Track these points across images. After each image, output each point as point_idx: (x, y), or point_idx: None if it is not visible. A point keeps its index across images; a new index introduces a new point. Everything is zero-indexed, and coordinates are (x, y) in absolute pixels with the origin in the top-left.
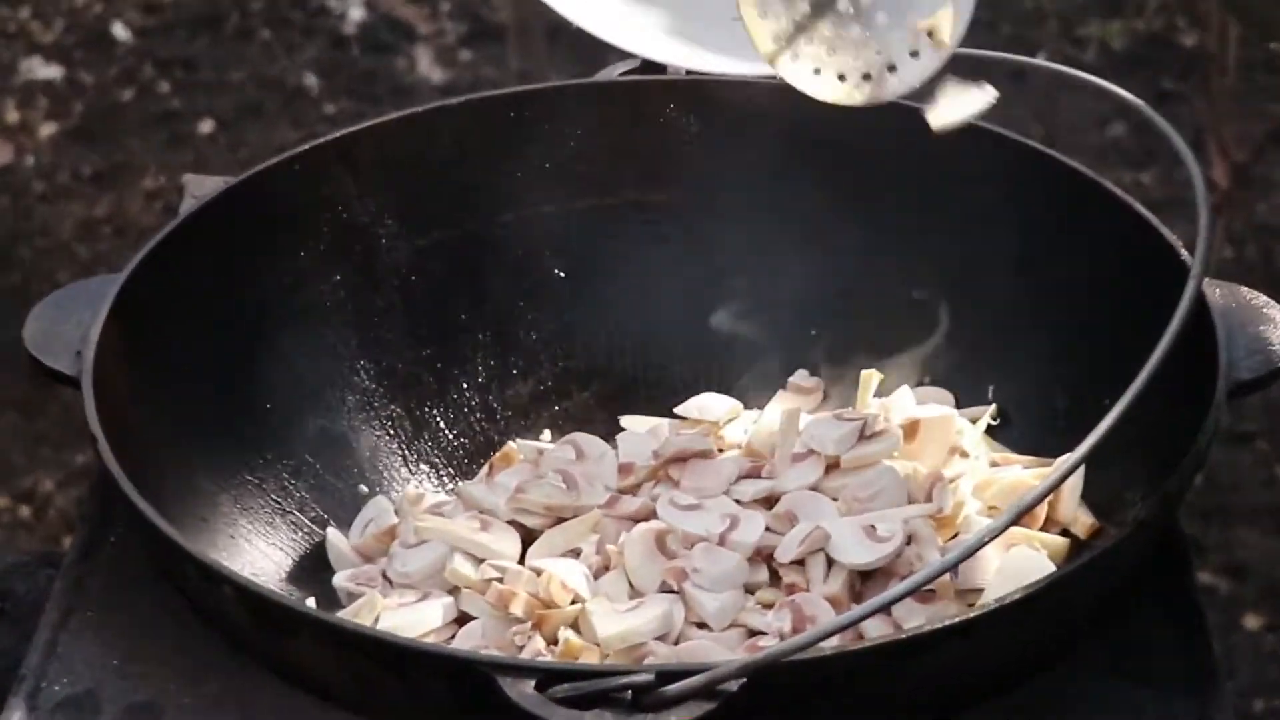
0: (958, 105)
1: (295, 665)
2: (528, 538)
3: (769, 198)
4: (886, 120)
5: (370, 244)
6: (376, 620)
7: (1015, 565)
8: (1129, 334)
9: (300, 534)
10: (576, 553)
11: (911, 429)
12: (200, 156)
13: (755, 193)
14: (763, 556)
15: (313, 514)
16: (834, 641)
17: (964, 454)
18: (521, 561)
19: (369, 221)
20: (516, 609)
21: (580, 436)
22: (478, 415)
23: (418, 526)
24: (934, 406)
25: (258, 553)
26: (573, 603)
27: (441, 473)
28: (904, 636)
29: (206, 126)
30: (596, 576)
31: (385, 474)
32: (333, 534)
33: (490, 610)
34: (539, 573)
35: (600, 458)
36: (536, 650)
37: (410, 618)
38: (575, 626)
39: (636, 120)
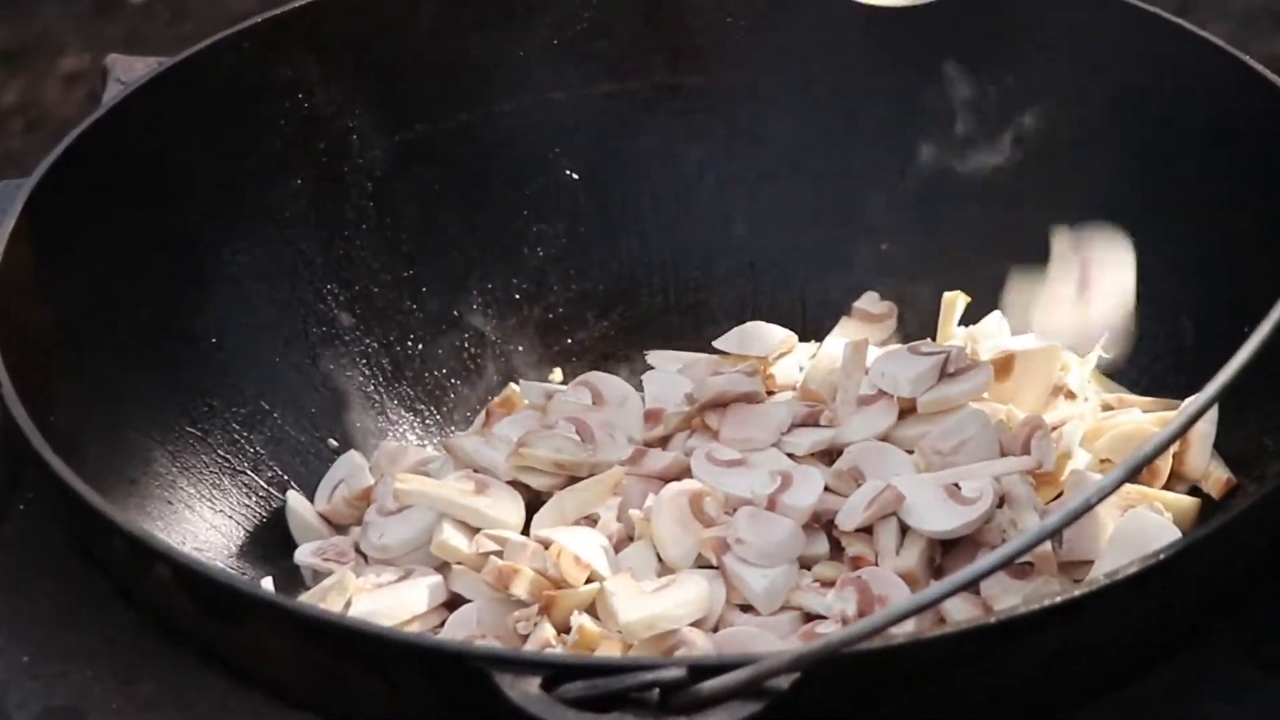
0: None
1: (248, 660)
2: (533, 502)
3: (829, 80)
4: None
5: (338, 140)
6: (348, 605)
7: (1133, 531)
8: (1273, 246)
9: (255, 499)
10: (593, 520)
11: (1005, 364)
12: (133, 31)
13: (812, 74)
14: (822, 523)
15: (270, 474)
16: (909, 627)
17: (1070, 395)
18: (526, 531)
19: (336, 112)
20: (519, 590)
21: (597, 377)
22: (471, 351)
23: (398, 489)
24: (1033, 336)
25: (202, 522)
26: (588, 581)
27: (428, 422)
28: (995, 620)
29: None
30: (617, 549)
31: (358, 424)
32: (294, 499)
33: (487, 591)
34: (547, 545)
35: (622, 403)
36: (544, 640)
37: (389, 601)
38: (592, 611)
39: None
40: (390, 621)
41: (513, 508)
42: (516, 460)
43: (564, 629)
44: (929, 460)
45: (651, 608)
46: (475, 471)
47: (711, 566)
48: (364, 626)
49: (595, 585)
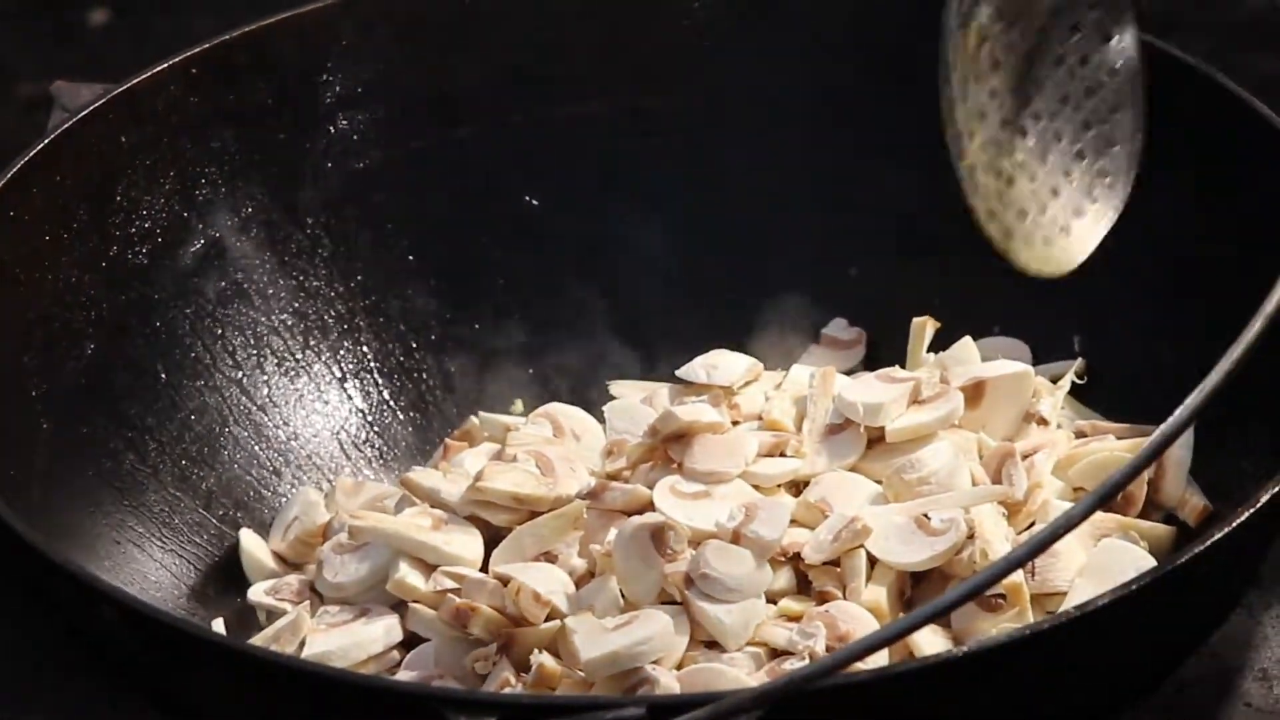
0: None
1: (199, 703)
2: (492, 538)
3: (797, 102)
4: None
5: (291, 167)
6: (302, 646)
7: (1106, 561)
8: (1254, 268)
9: (206, 537)
10: (554, 556)
11: (976, 391)
12: (92, 55)
13: (780, 95)
14: (788, 556)
15: (222, 511)
16: (877, 661)
17: (1042, 421)
18: (484, 568)
19: (288, 139)
20: (477, 628)
21: (558, 408)
22: (429, 382)
23: (354, 525)
24: (1004, 362)
25: (151, 562)
26: (548, 619)
27: (386, 456)
28: (963, 653)
29: (100, 15)
30: (579, 585)
31: (313, 459)
32: (247, 536)
33: (445, 630)
34: (506, 582)
35: (583, 435)
36: (503, 680)
37: (344, 641)
38: (552, 649)
39: (629, 4)
40: (345, 663)
41: (471, 544)
42: (475, 495)
43: (524, 668)
44: (897, 490)
45: (613, 645)
46: (433, 507)
47: (675, 602)
48: (316, 669)
49: (556, 623)
